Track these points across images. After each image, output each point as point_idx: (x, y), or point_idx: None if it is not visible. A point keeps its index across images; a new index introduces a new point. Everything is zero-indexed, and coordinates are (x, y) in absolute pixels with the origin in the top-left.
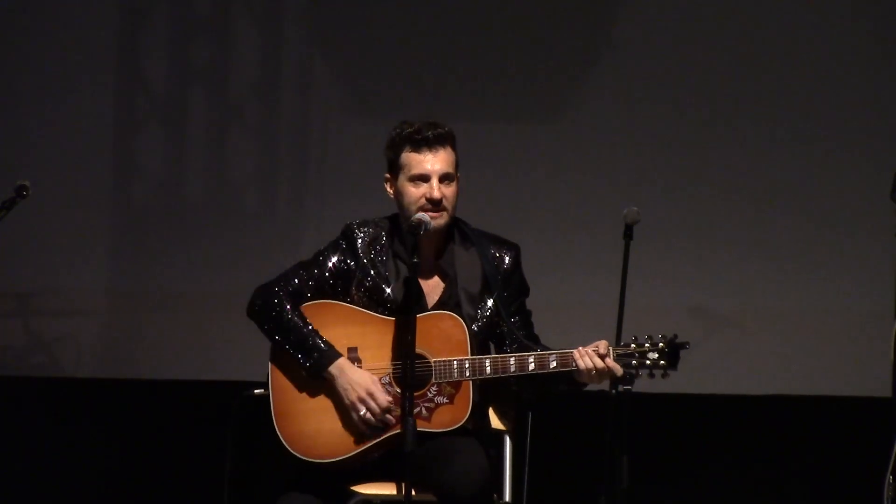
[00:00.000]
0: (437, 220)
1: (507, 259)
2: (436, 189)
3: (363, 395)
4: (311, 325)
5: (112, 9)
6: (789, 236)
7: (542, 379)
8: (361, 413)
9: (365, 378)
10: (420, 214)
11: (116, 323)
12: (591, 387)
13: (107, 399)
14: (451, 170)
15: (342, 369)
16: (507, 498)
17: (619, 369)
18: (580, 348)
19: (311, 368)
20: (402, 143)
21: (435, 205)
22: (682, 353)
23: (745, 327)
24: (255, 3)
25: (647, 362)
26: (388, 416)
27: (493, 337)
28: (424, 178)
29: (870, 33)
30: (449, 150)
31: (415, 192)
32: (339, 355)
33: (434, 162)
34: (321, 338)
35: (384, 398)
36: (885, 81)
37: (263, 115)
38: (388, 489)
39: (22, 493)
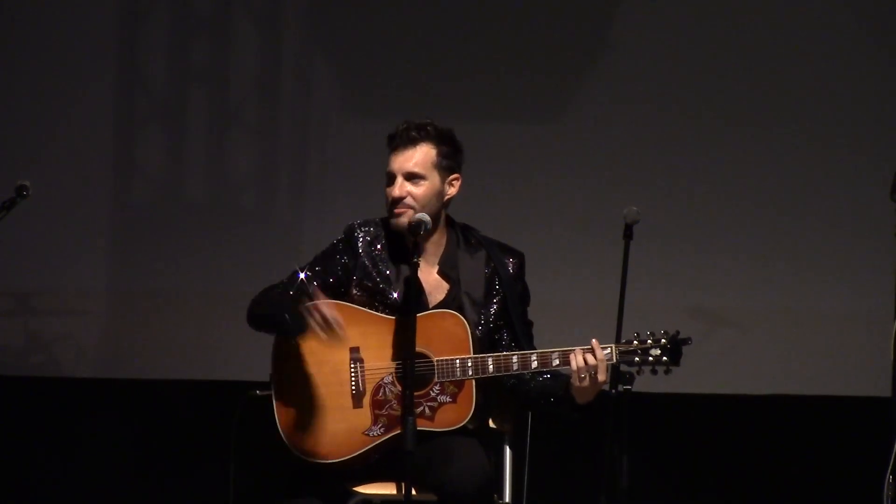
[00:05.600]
0: (400, 219)
1: (511, 266)
2: (396, 188)
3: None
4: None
5: (112, 8)
6: (789, 236)
7: (544, 398)
8: (315, 325)
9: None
10: (420, 214)
11: (116, 323)
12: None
13: (107, 399)
14: (417, 169)
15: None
16: (507, 498)
17: (605, 362)
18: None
19: (287, 327)
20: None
21: (394, 203)
22: (684, 348)
23: (745, 327)
24: (255, 3)
25: (650, 359)
26: (329, 314)
27: (492, 344)
28: (391, 178)
29: (869, 34)
30: (422, 148)
31: (386, 191)
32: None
33: (397, 161)
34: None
35: (322, 300)
36: (885, 81)
37: (263, 115)
38: (388, 489)
39: (22, 493)
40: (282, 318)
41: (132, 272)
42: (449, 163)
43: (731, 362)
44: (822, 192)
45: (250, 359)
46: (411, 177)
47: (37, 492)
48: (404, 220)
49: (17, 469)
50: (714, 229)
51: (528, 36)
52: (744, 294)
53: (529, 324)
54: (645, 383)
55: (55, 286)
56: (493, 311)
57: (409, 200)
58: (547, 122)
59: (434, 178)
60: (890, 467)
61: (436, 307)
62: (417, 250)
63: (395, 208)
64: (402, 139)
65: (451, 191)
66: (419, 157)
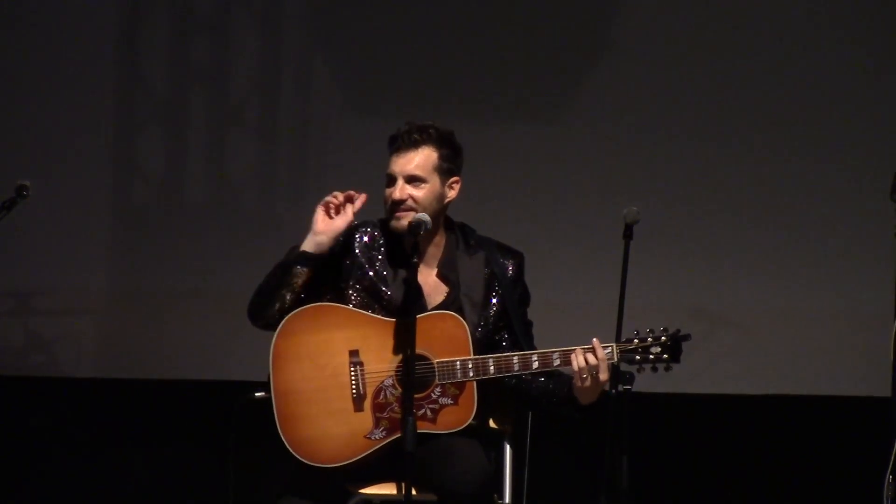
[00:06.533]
0: (400, 222)
1: (510, 267)
2: (397, 190)
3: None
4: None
5: (112, 8)
6: (789, 236)
7: (546, 398)
8: (322, 215)
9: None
10: (420, 214)
11: (116, 323)
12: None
13: (106, 399)
14: (418, 172)
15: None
16: (507, 498)
17: (607, 362)
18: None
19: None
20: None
21: (395, 205)
22: (684, 345)
23: (745, 327)
24: (255, 3)
25: (651, 357)
26: (346, 195)
27: (492, 346)
28: (392, 180)
29: (867, 35)
30: (423, 151)
31: (386, 192)
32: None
33: (399, 164)
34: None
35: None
36: (885, 82)
37: (263, 115)
38: (389, 489)
39: (22, 494)
40: (287, 257)
41: (132, 272)
42: (449, 166)
43: (731, 362)
44: (822, 191)
45: (249, 358)
46: (412, 179)
47: (36, 492)
48: (404, 222)
49: (17, 469)
50: (714, 229)
51: (528, 36)
52: (744, 294)
53: (529, 324)
54: (645, 383)
55: (55, 286)
56: (492, 312)
57: (409, 203)
58: (547, 122)
59: (435, 181)
60: (890, 467)
61: (434, 309)
62: (417, 251)
63: (396, 211)
64: (404, 141)
65: (452, 193)
66: (420, 159)
